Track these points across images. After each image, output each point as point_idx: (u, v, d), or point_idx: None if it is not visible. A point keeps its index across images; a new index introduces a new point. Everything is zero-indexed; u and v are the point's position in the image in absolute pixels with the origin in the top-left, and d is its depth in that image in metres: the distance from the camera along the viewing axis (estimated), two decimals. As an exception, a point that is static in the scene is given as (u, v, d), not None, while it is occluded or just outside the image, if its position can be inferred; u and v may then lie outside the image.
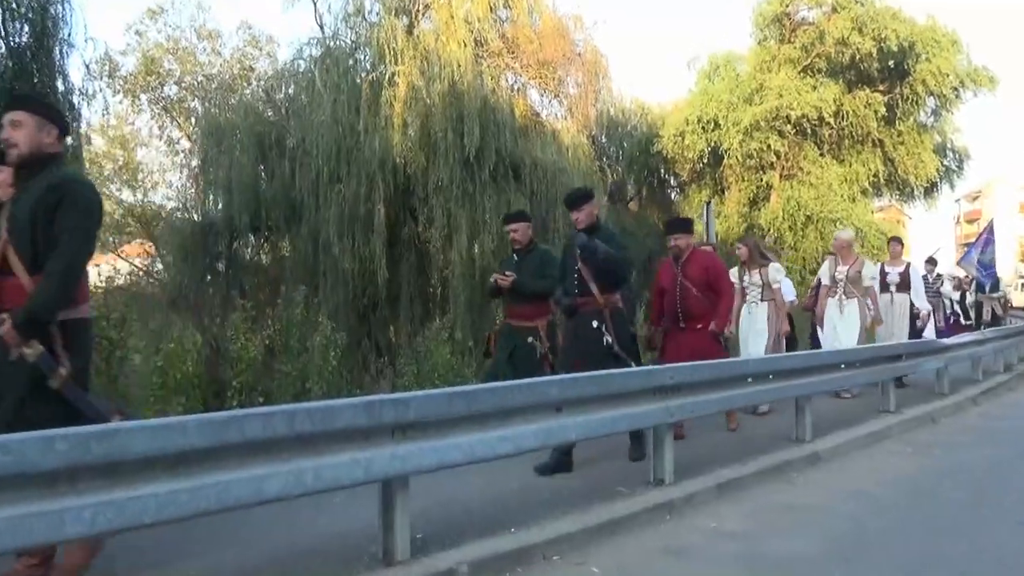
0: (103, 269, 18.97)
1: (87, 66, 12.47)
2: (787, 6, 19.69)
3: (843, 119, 19.27)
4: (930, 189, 21.86)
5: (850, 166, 20.15)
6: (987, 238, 16.59)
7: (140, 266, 19.02)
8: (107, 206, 19.32)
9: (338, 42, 17.04)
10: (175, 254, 16.72)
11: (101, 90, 15.79)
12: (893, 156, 20.25)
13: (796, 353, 8.49)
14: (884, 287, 9.96)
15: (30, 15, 11.61)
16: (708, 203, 13.19)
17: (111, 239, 20.60)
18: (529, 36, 17.33)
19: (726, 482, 5.33)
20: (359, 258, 14.84)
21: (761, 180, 20.28)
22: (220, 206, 16.29)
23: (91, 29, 32.17)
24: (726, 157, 19.82)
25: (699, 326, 6.75)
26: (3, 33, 11.52)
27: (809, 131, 19.47)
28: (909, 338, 9.93)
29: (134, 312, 8.34)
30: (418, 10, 17.00)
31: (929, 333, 11.85)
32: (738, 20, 55.88)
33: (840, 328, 9.14)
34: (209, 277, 16.87)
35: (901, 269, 10.27)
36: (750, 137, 19.20)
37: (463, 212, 15.19)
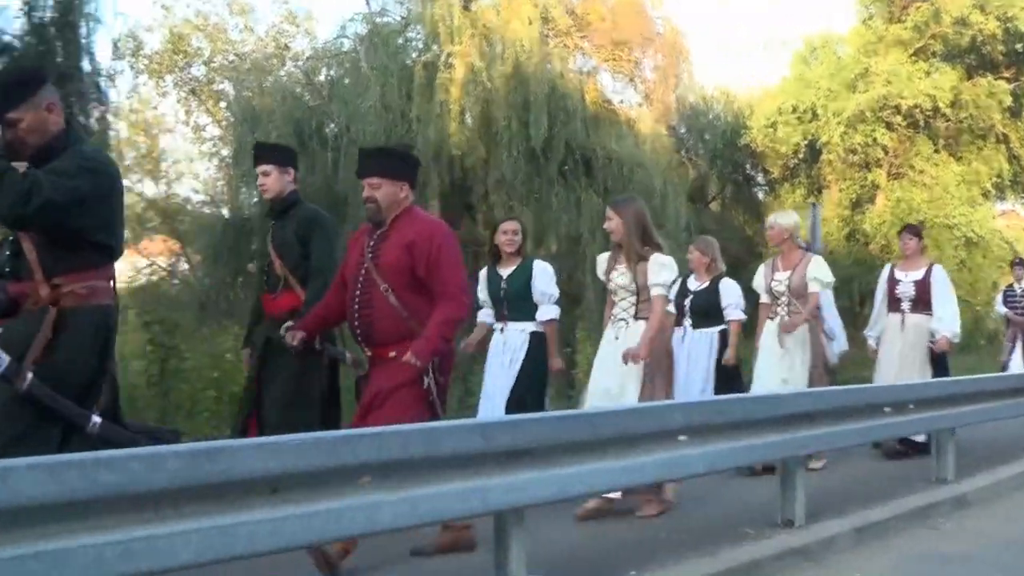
0: (121, 267, 19.33)
1: (115, 44, 12.77)
2: (898, -21, 19.51)
3: (962, 110, 18.99)
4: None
5: (970, 164, 19.83)
6: None
7: (164, 266, 19.33)
8: (128, 198, 19.68)
9: (386, 19, 17.19)
10: (204, 253, 16.98)
11: (123, 71, 16.07)
12: (1020, 153, 19.91)
13: (942, 380, 7.58)
14: (893, 303, 7.88)
15: (52, -13, 11.87)
16: (815, 204, 13.08)
17: (129, 234, 20.98)
18: (601, 13, 17.35)
19: (865, 526, 5.27)
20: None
21: (865, 179, 20.05)
22: (254, 200, 16.47)
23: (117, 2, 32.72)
24: (825, 152, 19.64)
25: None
26: (26, 8, 11.83)
27: (922, 123, 19.23)
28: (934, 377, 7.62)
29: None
30: (479, -16, 17.08)
31: (1016, 365, 11.64)
32: None
33: (775, 368, 6.97)
34: (241, 279, 17.03)
35: (919, 275, 7.77)
36: (853, 129, 18.99)
37: (528, 210, 15.20)
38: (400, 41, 16.72)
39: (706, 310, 7.45)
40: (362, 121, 15.18)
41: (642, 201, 6.00)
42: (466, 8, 16.28)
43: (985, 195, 20.37)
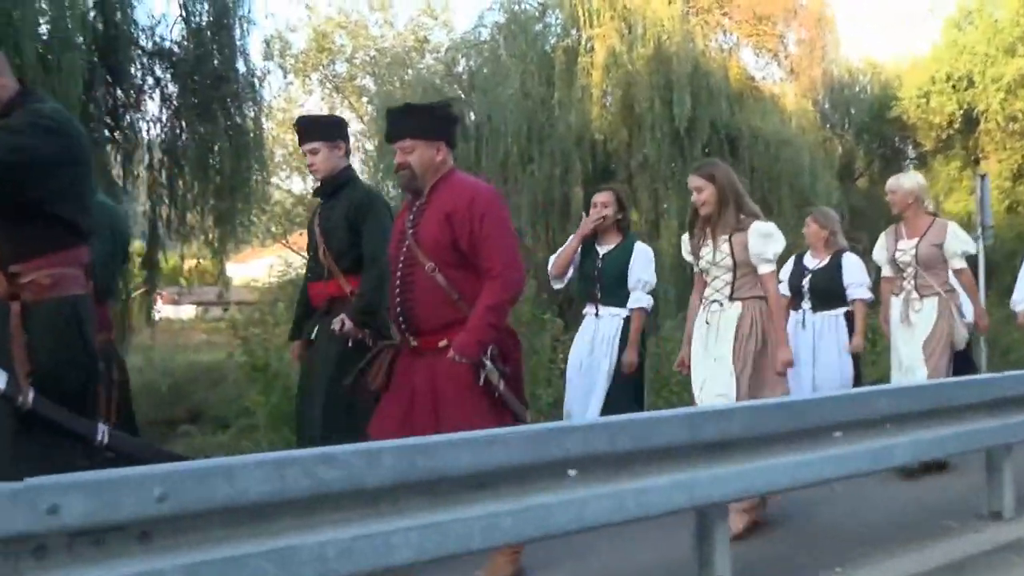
0: (273, 262, 19.90)
1: (267, 44, 13.06)
2: (1061, -69, 18.28)
3: None
4: None
5: None
6: None
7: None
8: (277, 194, 20.19)
9: (524, 6, 17.12)
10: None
11: (271, 71, 16.44)
12: None
13: None
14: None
15: (209, -7, 12.17)
16: (983, 176, 12.37)
17: (277, 229, 21.53)
18: (745, -12, 16.89)
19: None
20: (554, 248, 14.87)
21: (1028, 148, 18.95)
22: (397, 192, 16.66)
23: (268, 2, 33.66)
24: (983, 121, 18.63)
25: None
26: (184, 14, 12.17)
27: (1092, 86, 18.03)
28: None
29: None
30: (616, -36, 16.82)
31: None
32: None
33: (904, 351, 6.09)
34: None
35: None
36: (1014, 95, 17.96)
37: (672, 193, 14.97)
38: (538, 28, 16.68)
39: (827, 290, 6.60)
40: (503, 109, 15.21)
41: (728, 166, 5.18)
42: (605, -11, 16.04)
43: None
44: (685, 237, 5.17)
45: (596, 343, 5.70)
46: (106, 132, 11.64)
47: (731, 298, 4.79)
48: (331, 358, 4.46)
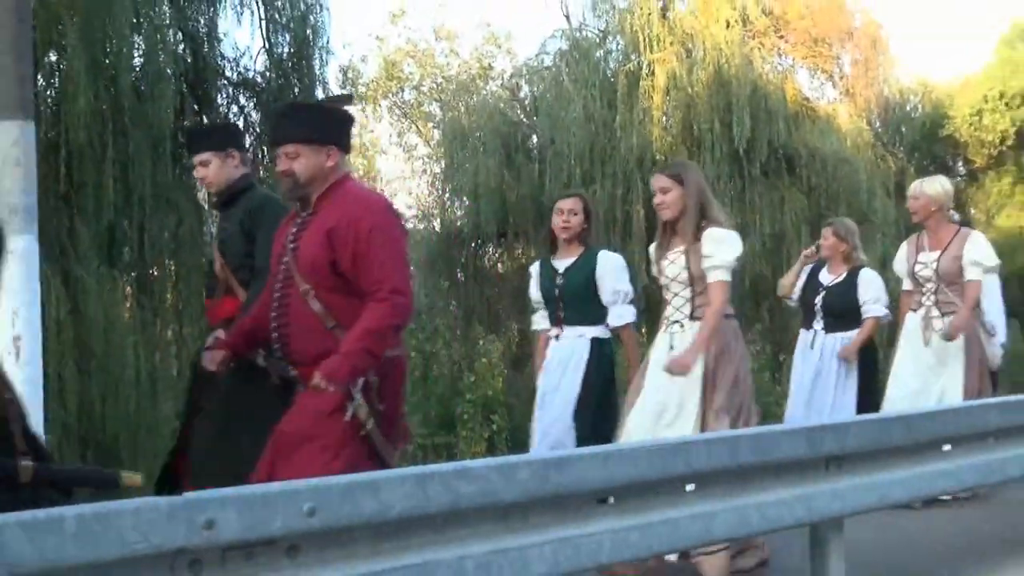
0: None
1: (344, 72, 13.17)
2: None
3: None
4: None
5: None
6: None
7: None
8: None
9: (585, 33, 17.06)
10: (421, 264, 17.32)
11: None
12: None
13: None
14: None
15: (291, 25, 12.30)
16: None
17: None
18: (799, 11, 16.64)
19: None
20: (621, 266, 14.77)
21: (1082, 164, 18.43)
22: (463, 213, 16.66)
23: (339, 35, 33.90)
24: (1037, 138, 18.19)
25: None
26: (267, 45, 12.30)
27: None
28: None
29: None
30: (673, -9, 16.74)
31: None
32: None
33: (921, 371, 5.41)
34: (447, 285, 17.23)
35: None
36: (1068, 112, 17.52)
37: (732, 211, 14.72)
38: (599, 54, 16.61)
39: (842, 309, 5.86)
40: (566, 132, 15.18)
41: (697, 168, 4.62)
42: (663, 16, 16.00)
43: None
44: (652, 247, 4.53)
45: (564, 369, 4.94)
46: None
47: (692, 317, 4.16)
48: (220, 384, 3.85)
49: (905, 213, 18.64)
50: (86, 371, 8.70)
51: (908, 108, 20.87)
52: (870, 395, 5.66)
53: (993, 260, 5.49)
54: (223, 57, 12.03)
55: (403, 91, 19.69)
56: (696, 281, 4.14)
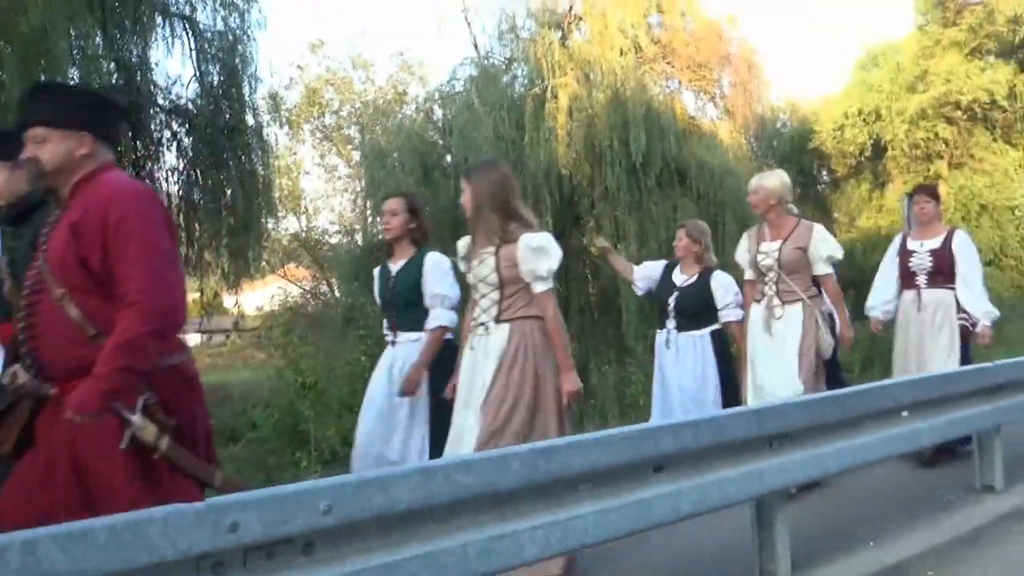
0: (274, 291, 19.64)
1: (272, 98, 12.93)
2: (950, -13, 18.72)
3: (1017, 100, 18.15)
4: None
5: (1024, 150, 18.96)
6: None
7: (306, 289, 19.59)
8: (275, 232, 19.90)
9: (492, 60, 17.12)
10: (345, 278, 17.09)
11: (269, 124, 16.25)
12: (1074, 137, 18.95)
13: None
14: (907, 277, 5.73)
15: (221, 55, 12.02)
16: (910, 195, 12.47)
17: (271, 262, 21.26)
18: (684, 39, 17.00)
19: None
20: (528, 270, 14.82)
21: (928, 171, 19.23)
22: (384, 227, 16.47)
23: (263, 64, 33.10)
24: (889, 149, 18.96)
25: None
26: (197, 73, 11.97)
27: (980, 116, 18.41)
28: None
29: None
30: (571, 22, 16.92)
31: None
32: (889, 6, 53.91)
33: (763, 361, 5.08)
34: (368, 295, 17.06)
35: (936, 243, 5.67)
36: (916, 126, 18.32)
37: (631, 219, 14.98)
38: (506, 79, 16.65)
39: (694, 309, 5.47)
40: (478, 151, 15.11)
41: (507, 169, 4.04)
42: (564, 44, 16.17)
43: (1043, 177, 19.42)
44: (461, 242, 3.98)
45: (394, 374, 4.42)
46: (130, 181, 11.54)
47: (498, 320, 3.72)
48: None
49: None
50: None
51: (778, 124, 21.56)
52: (731, 387, 5.39)
53: (840, 252, 5.16)
54: (155, 85, 11.69)
55: (324, 116, 19.39)
56: (506, 284, 3.71)
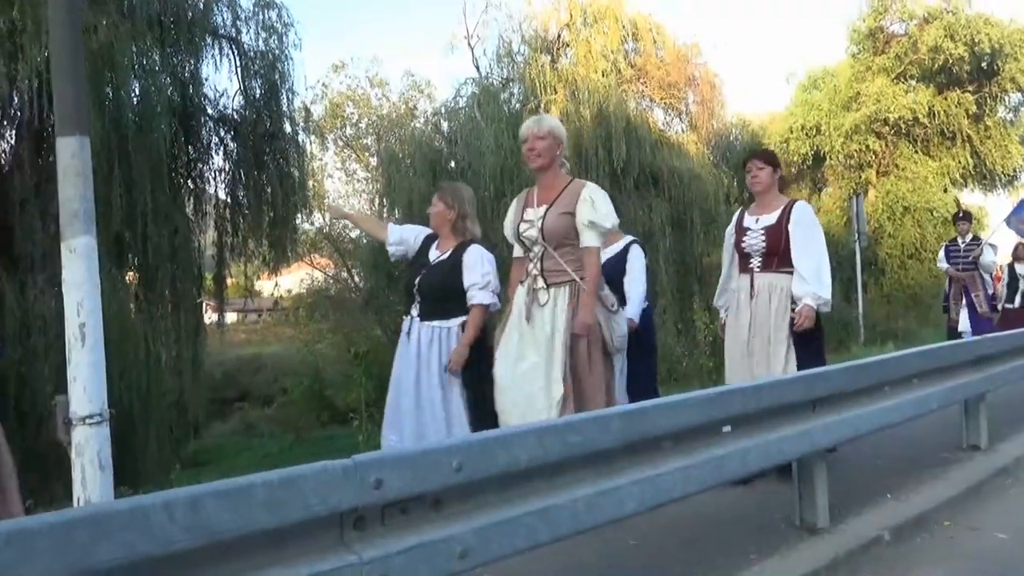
0: (302, 276, 19.29)
1: (307, 109, 12.61)
2: (879, 20, 18.56)
3: (935, 118, 18.08)
4: (1011, 179, 20.33)
5: (941, 160, 18.89)
6: None
7: (329, 275, 19.34)
8: (304, 226, 19.53)
9: (491, 80, 16.83)
10: (366, 265, 16.78)
11: (303, 132, 15.92)
12: (980, 150, 18.89)
13: None
14: (742, 258, 4.05)
15: (263, 71, 11.72)
16: (859, 195, 12.36)
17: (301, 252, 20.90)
18: (655, 63, 16.81)
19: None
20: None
21: (859, 177, 19.17)
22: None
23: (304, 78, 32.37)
24: (828, 159, 18.86)
25: None
26: (242, 87, 11.66)
27: (904, 131, 18.33)
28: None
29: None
30: (559, 48, 16.69)
31: (965, 326, 8.13)
32: (826, 37, 54.45)
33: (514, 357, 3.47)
34: (387, 281, 16.84)
35: (772, 219, 3.93)
36: (850, 140, 18.24)
37: (613, 217, 14.82)
38: (504, 96, 16.37)
39: (442, 293, 3.72)
40: (480, 158, 14.90)
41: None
42: (554, 67, 15.94)
43: (953, 183, 19.40)
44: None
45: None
46: (183, 181, 11.31)
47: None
48: None
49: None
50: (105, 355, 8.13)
51: (731, 138, 21.39)
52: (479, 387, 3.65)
53: (608, 221, 3.43)
54: (205, 97, 11.40)
55: (345, 127, 18.98)
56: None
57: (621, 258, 4.35)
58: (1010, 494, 3.92)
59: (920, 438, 4.82)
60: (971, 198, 20.85)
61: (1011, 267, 9.35)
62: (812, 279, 3.78)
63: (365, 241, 18.09)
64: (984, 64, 17.29)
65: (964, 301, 8.37)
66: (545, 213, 3.45)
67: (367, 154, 19.20)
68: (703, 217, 15.14)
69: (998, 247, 9.17)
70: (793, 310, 3.78)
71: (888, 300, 17.76)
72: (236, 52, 11.40)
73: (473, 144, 15.40)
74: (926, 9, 17.89)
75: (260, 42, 11.62)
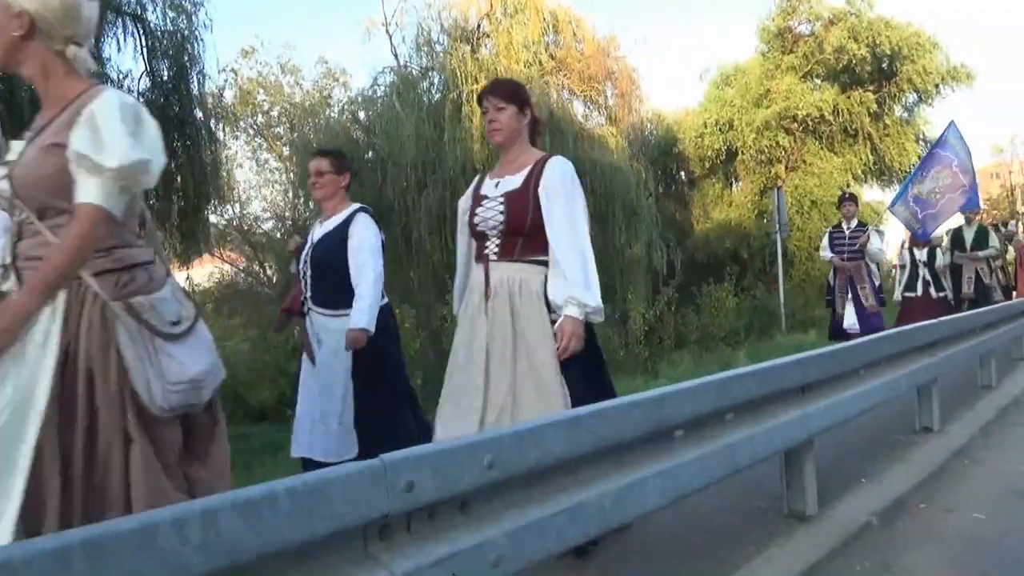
0: (211, 270, 18.42)
1: (219, 93, 11.97)
2: (788, 21, 19.17)
3: (839, 116, 18.81)
4: (908, 175, 21.45)
5: (844, 156, 19.69)
6: (926, 161, 9.07)
7: (240, 268, 18.52)
8: (213, 218, 18.64)
9: (410, 69, 16.44)
10: (279, 261, 16.17)
11: (210, 118, 15.14)
12: (880, 147, 19.80)
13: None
14: (476, 240, 2.94)
15: (171, 52, 11.02)
16: (780, 188, 12.65)
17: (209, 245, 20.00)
18: (576, 56, 16.79)
19: (984, 424, 4.81)
20: (447, 252, 14.35)
21: (770, 172, 19.75)
22: (311, 215, 15.72)
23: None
24: (740, 154, 19.35)
25: None
26: (148, 69, 10.93)
27: (811, 128, 19.00)
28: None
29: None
30: (479, 38, 16.44)
31: (851, 319, 7.23)
32: (736, 33, 56.18)
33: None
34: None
35: (518, 181, 2.84)
36: (761, 136, 18.75)
37: (536, 209, 14.72)
38: (424, 85, 16.04)
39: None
40: (401, 148, 14.56)
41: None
42: (474, 56, 15.68)
43: (856, 179, 20.26)
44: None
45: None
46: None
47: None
48: None
49: (661, 209, 19.34)
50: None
51: (647, 133, 21.70)
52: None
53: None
54: (108, 79, 10.54)
55: (257, 115, 18.18)
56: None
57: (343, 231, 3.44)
58: (973, 474, 3.99)
59: (871, 422, 4.87)
60: (871, 194, 21.89)
61: (911, 251, 8.76)
62: (576, 276, 2.57)
63: (279, 235, 17.45)
64: (884, 65, 18.10)
65: (850, 294, 7.34)
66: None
67: (280, 143, 18.46)
68: (625, 210, 15.27)
69: (885, 233, 8.83)
70: (553, 323, 2.58)
71: (802, 290, 18.39)
72: (141, 31, 10.67)
73: (392, 134, 15.03)
74: (831, 11, 18.59)
75: (168, 21, 10.94)
